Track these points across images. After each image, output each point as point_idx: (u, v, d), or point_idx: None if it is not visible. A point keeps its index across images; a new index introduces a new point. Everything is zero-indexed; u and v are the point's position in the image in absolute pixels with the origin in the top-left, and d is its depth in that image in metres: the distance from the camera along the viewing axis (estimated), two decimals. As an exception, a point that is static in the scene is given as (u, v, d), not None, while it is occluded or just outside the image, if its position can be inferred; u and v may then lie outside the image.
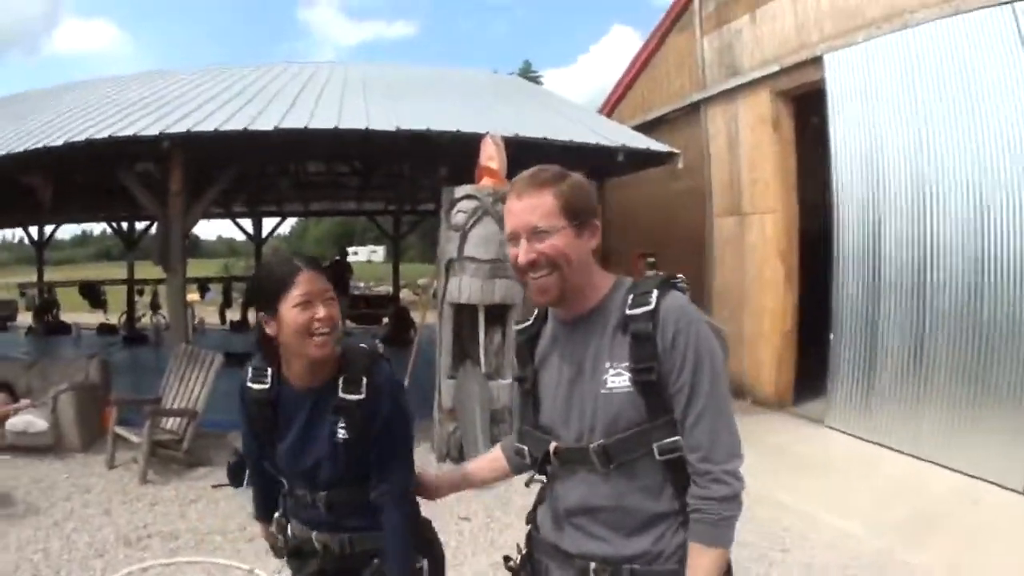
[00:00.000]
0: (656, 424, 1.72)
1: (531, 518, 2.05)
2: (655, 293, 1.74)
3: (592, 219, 1.81)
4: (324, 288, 1.98)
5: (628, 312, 1.74)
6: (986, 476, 6.08)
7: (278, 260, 2.11)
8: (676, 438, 1.72)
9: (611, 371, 1.75)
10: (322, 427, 2.05)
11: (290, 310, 1.95)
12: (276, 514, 2.29)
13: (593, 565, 1.80)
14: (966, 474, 6.24)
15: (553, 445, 1.84)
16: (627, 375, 1.73)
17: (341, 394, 2.03)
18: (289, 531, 2.24)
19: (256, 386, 2.09)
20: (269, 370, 2.09)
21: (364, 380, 2.05)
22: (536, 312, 1.97)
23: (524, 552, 2.04)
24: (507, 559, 2.08)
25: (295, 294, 1.94)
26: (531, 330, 1.96)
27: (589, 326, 1.81)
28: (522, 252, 1.76)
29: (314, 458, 2.06)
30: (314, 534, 2.15)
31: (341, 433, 2.03)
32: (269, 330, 2.02)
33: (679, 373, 1.70)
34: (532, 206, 1.76)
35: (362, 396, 2.03)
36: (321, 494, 2.10)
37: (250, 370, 2.11)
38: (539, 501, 2.02)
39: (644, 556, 1.77)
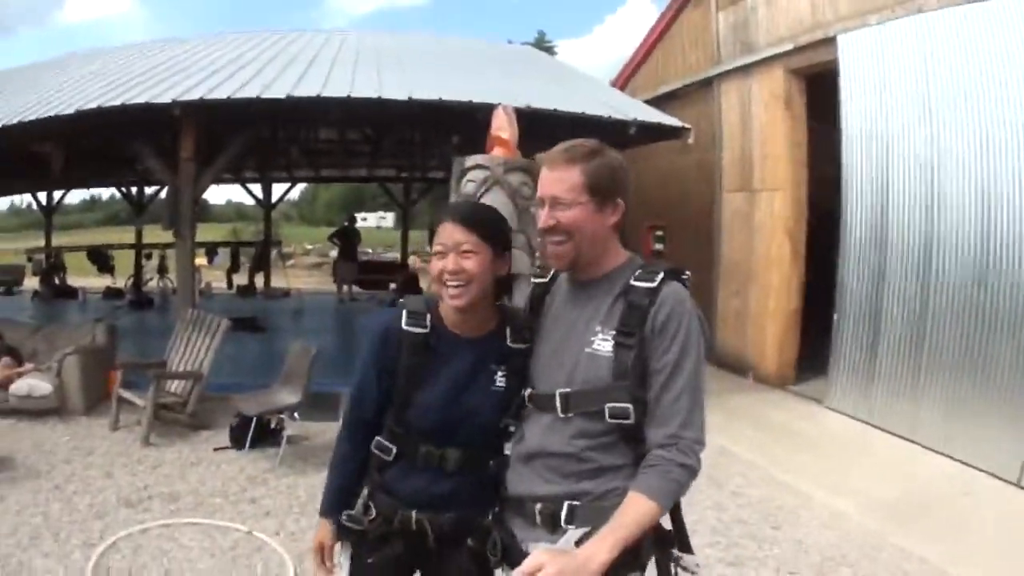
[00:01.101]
0: (616, 386, 1.81)
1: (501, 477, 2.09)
2: (662, 275, 1.85)
3: (615, 198, 1.91)
4: (461, 240, 1.97)
5: (631, 282, 1.86)
6: (982, 466, 6.10)
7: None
8: (627, 405, 1.80)
9: (600, 335, 1.86)
10: (482, 376, 2.05)
11: (431, 258, 2.03)
12: (364, 491, 2.14)
13: (539, 506, 1.88)
14: (962, 462, 6.27)
15: (528, 391, 1.97)
16: (612, 341, 1.84)
17: (510, 343, 2.07)
18: (373, 510, 2.11)
19: (414, 329, 2.05)
20: (427, 315, 2.07)
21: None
22: (553, 271, 2.10)
23: (496, 510, 2.06)
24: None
25: (435, 243, 2.02)
26: (546, 285, 2.10)
27: (593, 291, 1.94)
28: (542, 217, 1.90)
29: (469, 407, 2.03)
30: (413, 512, 2.05)
31: (500, 382, 2.05)
32: None
33: (665, 353, 1.80)
34: (559, 178, 1.89)
35: (529, 345, 2.07)
36: (453, 451, 2.04)
37: (404, 314, 2.07)
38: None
39: (587, 495, 1.85)
